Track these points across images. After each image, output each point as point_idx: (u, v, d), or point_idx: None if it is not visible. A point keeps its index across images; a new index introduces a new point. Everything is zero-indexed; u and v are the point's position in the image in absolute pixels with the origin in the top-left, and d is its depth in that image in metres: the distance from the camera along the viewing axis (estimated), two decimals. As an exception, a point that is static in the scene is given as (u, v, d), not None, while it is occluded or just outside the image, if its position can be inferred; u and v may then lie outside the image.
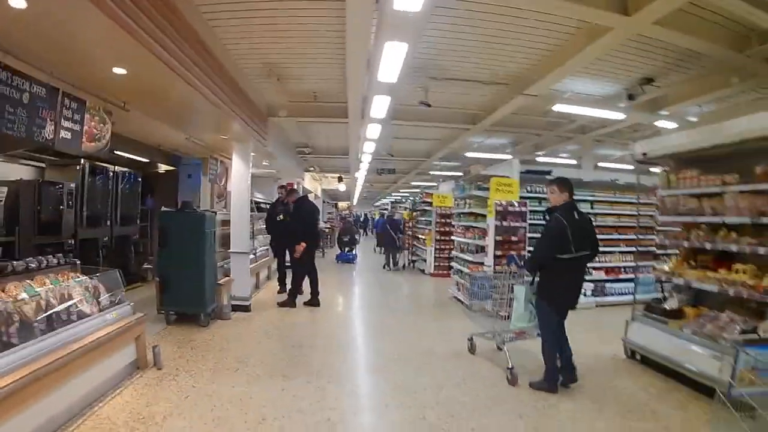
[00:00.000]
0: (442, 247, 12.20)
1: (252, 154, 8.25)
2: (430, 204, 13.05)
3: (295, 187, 8.49)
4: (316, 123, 9.28)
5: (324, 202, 29.80)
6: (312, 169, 16.24)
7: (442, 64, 6.49)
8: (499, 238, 7.64)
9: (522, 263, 4.89)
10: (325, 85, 7.15)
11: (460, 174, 15.49)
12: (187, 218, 6.32)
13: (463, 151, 12.57)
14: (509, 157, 11.50)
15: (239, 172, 7.43)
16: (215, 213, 6.82)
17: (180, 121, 6.56)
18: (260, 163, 10.90)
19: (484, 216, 8.28)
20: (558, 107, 7.22)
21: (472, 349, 5.36)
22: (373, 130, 8.77)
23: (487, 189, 8.04)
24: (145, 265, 8.89)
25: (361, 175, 18.06)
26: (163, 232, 6.26)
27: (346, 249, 16.06)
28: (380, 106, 6.80)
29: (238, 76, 6.22)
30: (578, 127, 10.22)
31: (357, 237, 18.08)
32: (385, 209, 29.86)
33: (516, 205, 7.83)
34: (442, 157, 13.89)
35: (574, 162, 12.54)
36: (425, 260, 13.13)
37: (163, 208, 6.58)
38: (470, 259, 8.64)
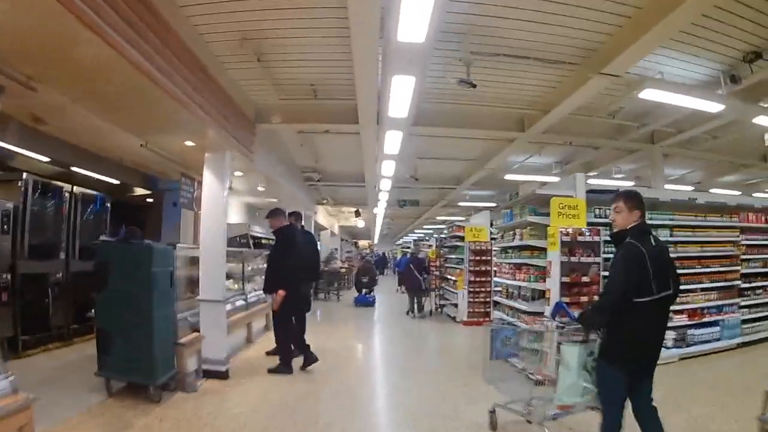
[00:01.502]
0: (477, 289, 10.11)
1: (238, 173, 6.42)
2: (461, 239, 11.10)
3: (283, 209, 6.20)
4: (322, 136, 7.48)
5: (342, 239, 28.10)
6: (325, 201, 14.42)
7: (486, 31, 4.67)
8: (566, 278, 5.59)
9: (578, 315, 3.38)
10: (326, 74, 5.34)
11: (494, 205, 13.49)
12: (130, 252, 4.46)
13: (501, 174, 10.56)
14: (556, 179, 9.47)
15: (212, 193, 5.47)
16: (174, 246, 4.92)
17: (121, 113, 4.64)
18: (255, 189, 9.07)
19: (542, 249, 6.18)
20: (646, 93, 5.25)
21: (493, 425, 4.05)
22: (393, 141, 6.90)
23: (545, 214, 6.01)
24: (90, 312, 6.67)
25: (380, 209, 16.24)
26: (100, 271, 4.43)
27: (365, 291, 14.36)
28: (401, 95, 4.96)
29: (201, 53, 4.44)
30: (646, 135, 8.17)
31: (377, 278, 16.28)
32: (407, 248, 27.78)
33: (586, 233, 5.79)
34: (474, 183, 11.87)
35: (631, 183, 10.42)
36: (456, 305, 10.99)
37: (102, 238, 4.77)
38: (523, 307, 6.48)
